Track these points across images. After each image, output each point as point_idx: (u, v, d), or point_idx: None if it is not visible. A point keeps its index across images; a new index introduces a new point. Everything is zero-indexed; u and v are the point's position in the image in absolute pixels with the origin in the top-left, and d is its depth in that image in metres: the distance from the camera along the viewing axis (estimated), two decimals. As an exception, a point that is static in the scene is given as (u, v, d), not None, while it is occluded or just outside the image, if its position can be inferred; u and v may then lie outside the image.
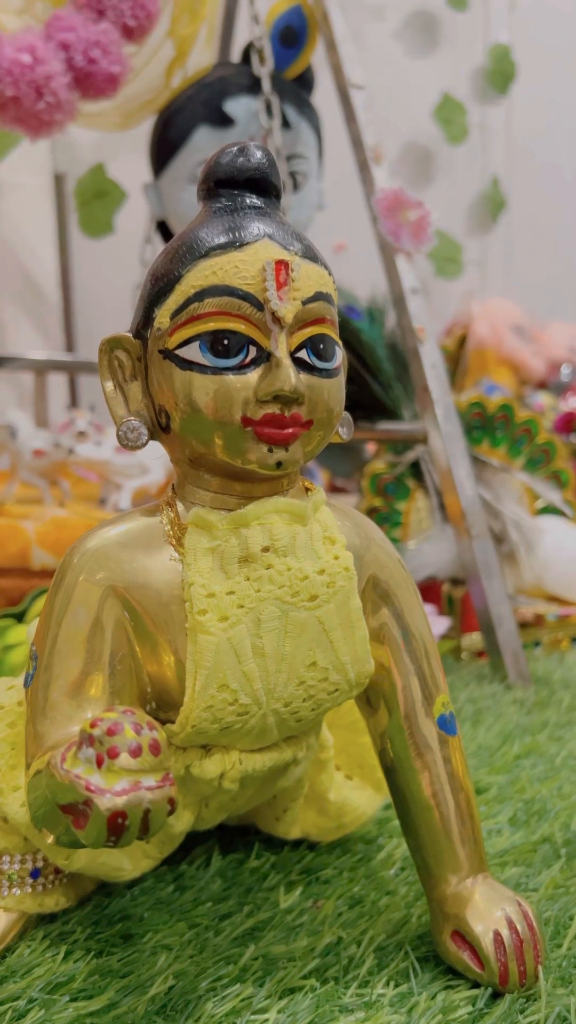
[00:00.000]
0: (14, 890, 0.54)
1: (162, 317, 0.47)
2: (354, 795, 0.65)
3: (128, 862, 0.55)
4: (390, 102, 1.79)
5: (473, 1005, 0.46)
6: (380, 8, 2.25)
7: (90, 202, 1.45)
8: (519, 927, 0.48)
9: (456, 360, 1.97)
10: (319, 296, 0.47)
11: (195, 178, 1.23)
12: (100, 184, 1.46)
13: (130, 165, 1.55)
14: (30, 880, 0.54)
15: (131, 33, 1.18)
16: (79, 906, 0.57)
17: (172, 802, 0.38)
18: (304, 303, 0.46)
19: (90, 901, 0.57)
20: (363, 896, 0.58)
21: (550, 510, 1.42)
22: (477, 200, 2.41)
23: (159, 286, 0.47)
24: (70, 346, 1.87)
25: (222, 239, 0.46)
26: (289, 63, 1.28)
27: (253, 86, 1.23)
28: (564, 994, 0.47)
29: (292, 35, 1.28)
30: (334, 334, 0.48)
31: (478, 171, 2.40)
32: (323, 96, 1.32)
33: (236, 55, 1.40)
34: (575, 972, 0.49)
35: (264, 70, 1.22)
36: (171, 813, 0.38)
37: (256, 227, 0.46)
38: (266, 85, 1.21)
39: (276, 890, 0.59)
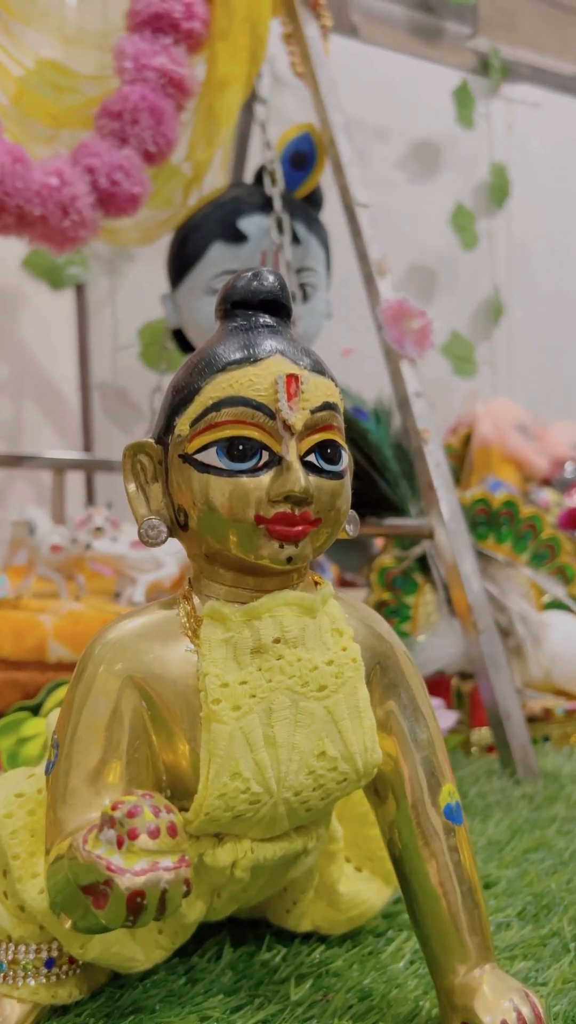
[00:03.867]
0: (28, 980, 0.55)
1: (182, 425, 0.51)
2: (364, 887, 0.65)
3: (141, 952, 0.56)
4: (394, 218, 1.89)
5: None
6: (384, 132, 2.39)
7: (158, 342, 1.66)
8: (527, 1019, 0.49)
9: (461, 458, 2.02)
10: (327, 406, 0.51)
11: (210, 290, 1.30)
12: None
13: (147, 276, 1.63)
14: (44, 970, 0.55)
15: (151, 158, 1.27)
16: (91, 998, 0.57)
17: (188, 883, 0.40)
18: (313, 412, 0.50)
19: (102, 993, 0.58)
20: (373, 989, 0.58)
21: (556, 605, 1.44)
22: (481, 305, 2.52)
23: (180, 397, 0.51)
24: (88, 446, 1.93)
25: (238, 355, 0.50)
26: (299, 184, 1.37)
27: (265, 205, 1.31)
28: None
29: (301, 159, 1.37)
30: (341, 439, 0.52)
31: (485, 277, 2.51)
32: (331, 213, 1.41)
33: (249, 176, 1.49)
34: (585, 1066, 0.49)
35: (275, 190, 1.30)
36: (187, 894, 0.40)
37: (269, 344, 0.50)
38: (277, 204, 1.29)
39: (287, 983, 0.59)
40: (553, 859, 0.80)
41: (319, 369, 0.51)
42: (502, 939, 0.64)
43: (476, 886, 0.54)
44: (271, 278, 0.52)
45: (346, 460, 0.52)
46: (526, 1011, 0.49)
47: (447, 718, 1.17)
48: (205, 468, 0.49)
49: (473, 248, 2.42)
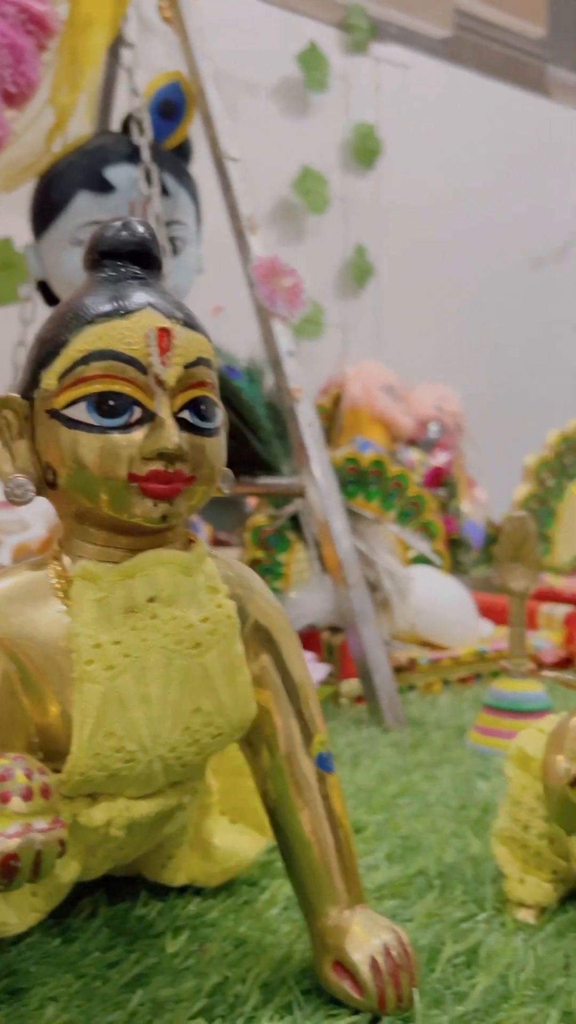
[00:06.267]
0: None
1: (49, 379, 0.49)
2: (238, 839, 0.66)
3: (14, 916, 0.55)
4: (263, 170, 1.88)
5: (353, 1030, 0.48)
6: (254, 85, 2.36)
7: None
8: (395, 953, 0.51)
9: (332, 418, 2.05)
10: (200, 361, 0.50)
11: (76, 240, 1.26)
12: (7, 256, 1.52)
13: (8, 226, 1.56)
14: None
15: (11, 99, 1.21)
16: (-37, 965, 0.56)
17: (62, 844, 0.39)
18: (186, 367, 0.49)
19: (-26, 959, 0.57)
20: (248, 936, 0.60)
21: (421, 560, 1.49)
22: (343, 266, 2.54)
23: (46, 349, 0.50)
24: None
25: (107, 307, 0.49)
26: (167, 134, 1.34)
27: (133, 155, 1.27)
28: (437, 1014, 0.50)
29: (170, 108, 1.33)
30: (214, 396, 0.51)
31: (342, 239, 2.53)
32: (200, 166, 1.38)
33: (116, 125, 1.44)
34: (447, 994, 0.52)
35: (143, 140, 1.26)
36: (61, 855, 0.40)
37: (139, 296, 0.49)
38: (145, 154, 1.25)
39: (163, 936, 0.60)
40: (419, 803, 0.84)
41: (191, 323, 0.51)
42: (371, 880, 0.67)
43: (347, 832, 0.56)
44: (140, 228, 0.51)
45: (220, 417, 0.52)
46: (394, 947, 0.51)
47: (319, 671, 1.20)
48: (74, 424, 0.48)
49: (322, 211, 2.44)
